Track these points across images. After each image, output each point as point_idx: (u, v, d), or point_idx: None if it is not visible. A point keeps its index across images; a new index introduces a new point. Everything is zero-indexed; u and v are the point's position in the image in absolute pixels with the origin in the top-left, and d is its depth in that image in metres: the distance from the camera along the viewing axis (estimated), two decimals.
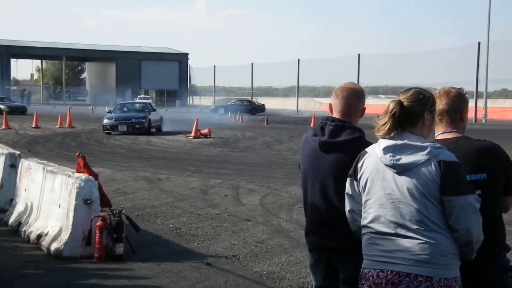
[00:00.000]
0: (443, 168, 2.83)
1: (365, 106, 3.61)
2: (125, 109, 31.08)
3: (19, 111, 46.78)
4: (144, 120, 28.47)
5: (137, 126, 28.02)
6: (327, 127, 3.49)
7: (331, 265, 3.45)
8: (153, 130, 29.62)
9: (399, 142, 2.94)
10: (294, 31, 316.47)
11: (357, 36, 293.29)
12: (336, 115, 3.54)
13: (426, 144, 2.90)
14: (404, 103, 2.98)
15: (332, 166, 3.36)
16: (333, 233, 3.39)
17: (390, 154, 2.93)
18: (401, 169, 2.90)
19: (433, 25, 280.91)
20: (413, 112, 2.97)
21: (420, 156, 2.87)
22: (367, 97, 3.90)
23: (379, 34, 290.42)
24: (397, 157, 2.91)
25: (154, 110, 31.68)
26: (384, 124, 2.96)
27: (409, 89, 3.06)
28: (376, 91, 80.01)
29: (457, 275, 2.87)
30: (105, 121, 28.40)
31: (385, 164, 2.95)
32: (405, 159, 2.89)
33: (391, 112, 2.96)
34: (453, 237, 2.85)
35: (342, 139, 3.41)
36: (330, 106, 3.60)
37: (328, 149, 3.43)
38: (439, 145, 2.93)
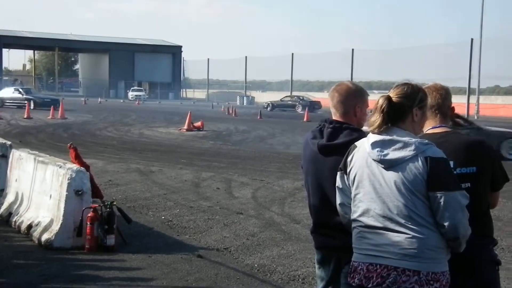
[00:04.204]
0: (430, 164, 2.84)
1: (359, 104, 3.51)
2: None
3: (49, 104, 37.25)
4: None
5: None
6: (325, 130, 3.47)
7: (338, 262, 3.44)
8: None
9: (387, 137, 2.95)
10: (288, 25, 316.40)
11: (351, 31, 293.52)
12: (334, 115, 3.53)
13: (413, 140, 2.91)
14: (393, 99, 3.00)
15: (332, 169, 3.33)
16: (336, 232, 3.38)
17: (378, 149, 2.95)
18: (388, 164, 2.92)
19: (426, 21, 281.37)
20: (401, 108, 2.99)
21: (407, 152, 2.88)
22: None
23: (372, 29, 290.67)
24: (385, 152, 2.93)
25: None
26: (374, 120, 2.98)
27: (400, 84, 3.08)
28: (370, 87, 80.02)
29: (445, 269, 2.88)
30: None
31: (373, 159, 2.96)
32: (392, 154, 2.91)
33: (380, 108, 2.98)
34: (441, 232, 2.87)
35: (340, 142, 3.38)
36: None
37: (327, 152, 3.42)
38: (426, 141, 2.94)
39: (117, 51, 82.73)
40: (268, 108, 52.31)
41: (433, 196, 2.83)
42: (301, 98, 54.58)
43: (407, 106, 3.00)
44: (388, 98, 3.00)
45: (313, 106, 50.24)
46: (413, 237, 2.83)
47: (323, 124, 3.51)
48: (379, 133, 2.98)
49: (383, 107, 2.97)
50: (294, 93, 62.42)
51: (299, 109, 49.45)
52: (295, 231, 8.21)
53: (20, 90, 42.97)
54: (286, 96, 55.88)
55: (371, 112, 3.06)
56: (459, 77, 49.47)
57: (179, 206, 9.73)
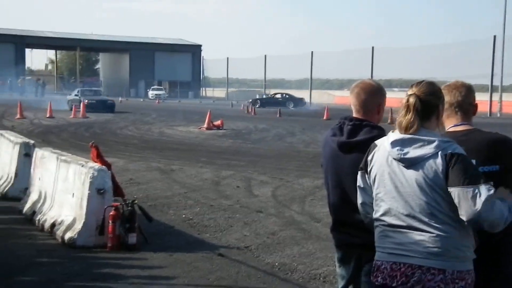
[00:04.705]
0: (449, 160, 2.81)
1: (382, 102, 3.55)
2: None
3: (105, 107, 36.85)
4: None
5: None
6: (345, 127, 3.48)
7: (358, 260, 3.44)
8: None
9: (407, 136, 2.93)
10: (307, 23, 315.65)
11: (371, 28, 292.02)
12: (354, 113, 3.54)
13: (434, 137, 2.89)
14: (421, 97, 2.96)
15: (351, 166, 3.33)
16: (356, 230, 3.38)
17: (398, 148, 2.93)
18: (408, 163, 2.90)
19: (446, 18, 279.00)
20: (430, 106, 2.97)
21: (427, 150, 2.86)
22: None
23: (392, 26, 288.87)
24: (405, 150, 2.91)
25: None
26: (411, 121, 2.92)
27: (421, 82, 3.04)
28: (390, 84, 79.51)
29: (470, 267, 2.87)
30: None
31: (393, 158, 2.95)
32: (413, 153, 2.89)
33: (413, 106, 2.93)
34: (466, 227, 2.83)
35: (360, 139, 3.39)
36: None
37: (347, 150, 3.43)
38: (447, 138, 2.92)
39: (138, 51, 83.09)
40: (257, 104, 54.31)
41: (452, 191, 2.79)
42: (287, 95, 59.45)
43: (435, 104, 2.99)
44: (418, 96, 2.95)
45: (300, 102, 56.03)
46: (437, 235, 2.81)
47: (343, 122, 3.52)
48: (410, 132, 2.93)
49: (415, 105, 2.93)
50: (314, 92, 62.93)
51: (291, 106, 54.48)
52: (316, 230, 8.21)
53: (77, 92, 40.26)
54: (274, 93, 60.71)
55: (392, 110, 3.03)
56: (480, 74, 48.94)
57: (200, 205, 9.77)
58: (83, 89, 43.97)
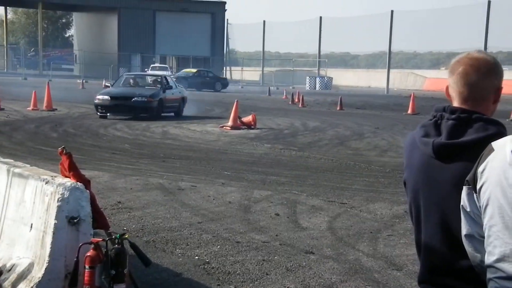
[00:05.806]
0: None
1: (501, 85, 3.47)
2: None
3: (143, 108, 30.16)
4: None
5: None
6: (445, 122, 3.40)
7: None
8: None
9: None
10: None
11: None
12: (457, 102, 3.46)
13: None
14: None
15: (457, 182, 3.24)
16: (462, 282, 3.32)
17: None
18: None
19: None
20: None
21: None
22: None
23: None
24: None
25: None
26: None
27: None
28: None
29: None
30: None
31: None
32: None
33: None
34: None
35: (469, 139, 3.30)
36: (447, 89, 3.51)
37: (449, 156, 3.35)
38: None
39: (130, 10, 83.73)
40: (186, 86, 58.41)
41: None
42: (210, 72, 68.45)
43: None
44: None
45: (224, 83, 65.90)
46: None
47: (441, 115, 3.44)
48: None
49: None
50: (393, 72, 62.78)
51: (220, 88, 62.87)
52: (395, 281, 8.18)
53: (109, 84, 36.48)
54: (198, 70, 68.80)
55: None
56: None
57: (221, 241, 9.79)
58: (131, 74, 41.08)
